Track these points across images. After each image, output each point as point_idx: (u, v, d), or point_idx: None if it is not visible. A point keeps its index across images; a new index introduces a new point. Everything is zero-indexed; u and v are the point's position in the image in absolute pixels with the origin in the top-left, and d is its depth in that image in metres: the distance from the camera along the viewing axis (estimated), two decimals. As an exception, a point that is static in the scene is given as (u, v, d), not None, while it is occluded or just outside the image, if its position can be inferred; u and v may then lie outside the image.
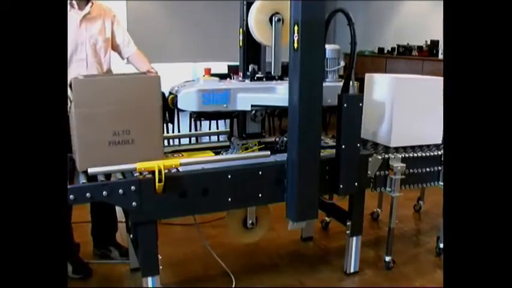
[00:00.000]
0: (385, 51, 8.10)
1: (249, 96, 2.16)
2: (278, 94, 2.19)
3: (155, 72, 2.36)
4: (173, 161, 1.96)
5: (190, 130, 4.92)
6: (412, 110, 2.54)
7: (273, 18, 2.24)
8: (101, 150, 1.92)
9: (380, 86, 2.64)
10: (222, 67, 5.80)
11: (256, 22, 2.27)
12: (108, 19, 2.44)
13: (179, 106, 2.09)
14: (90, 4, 2.34)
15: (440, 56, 6.78)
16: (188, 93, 2.08)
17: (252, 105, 2.17)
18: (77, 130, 1.90)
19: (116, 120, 1.94)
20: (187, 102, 2.08)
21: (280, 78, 2.32)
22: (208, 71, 2.33)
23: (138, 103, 1.99)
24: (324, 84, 2.07)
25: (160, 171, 1.86)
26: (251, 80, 2.30)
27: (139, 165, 1.88)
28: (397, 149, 2.55)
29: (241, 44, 2.49)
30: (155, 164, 1.88)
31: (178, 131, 5.08)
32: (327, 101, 2.17)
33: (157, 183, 1.87)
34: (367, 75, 2.74)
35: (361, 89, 2.35)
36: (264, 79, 2.31)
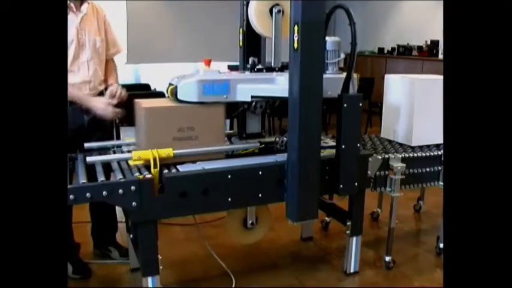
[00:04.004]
0: (385, 51, 8.10)
1: (249, 87, 2.16)
2: (278, 85, 2.19)
3: (118, 87, 2.36)
4: (167, 151, 1.99)
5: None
6: (432, 109, 2.56)
7: (273, 9, 2.24)
8: (165, 145, 2.00)
9: (400, 87, 2.71)
10: (222, 67, 5.81)
11: (257, 13, 2.28)
12: (101, 18, 2.42)
13: (179, 96, 2.08)
14: (86, 5, 2.31)
15: (440, 56, 6.79)
16: (188, 83, 2.08)
17: (252, 96, 2.17)
18: (144, 125, 1.98)
19: (181, 117, 2.04)
20: (187, 92, 2.08)
21: (281, 70, 2.32)
22: (208, 62, 2.34)
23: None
24: (324, 76, 2.06)
25: (155, 159, 1.90)
26: (251, 71, 2.30)
27: (135, 153, 1.90)
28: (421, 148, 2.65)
29: (241, 44, 2.50)
30: (150, 152, 1.92)
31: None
32: (327, 93, 2.16)
33: (152, 169, 1.89)
34: (386, 77, 2.82)
35: (360, 89, 2.35)
36: (264, 70, 2.31)
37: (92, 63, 2.35)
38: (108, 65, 2.54)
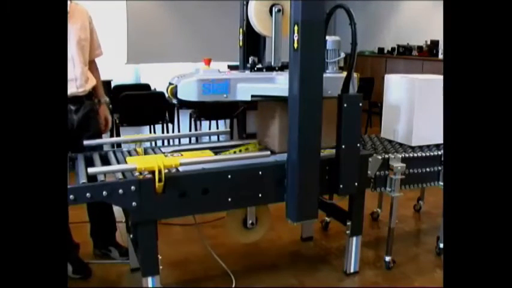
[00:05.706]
0: (385, 51, 8.10)
1: (249, 86, 2.16)
2: (278, 84, 2.19)
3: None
4: (173, 161, 1.96)
5: (190, 130, 4.92)
6: (432, 109, 2.56)
7: (273, 8, 2.24)
8: None
9: (400, 87, 2.71)
10: (222, 67, 5.80)
11: (257, 13, 2.28)
12: (86, 18, 2.41)
13: (179, 96, 2.08)
14: (68, 3, 2.30)
15: (440, 56, 6.79)
16: (188, 82, 2.08)
17: (252, 96, 2.17)
18: (278, 122, 2.25)
19: None
20: (187, 92, 2.08)
21: (281, 69, 2.32)
22: (208, 61, 2.34)
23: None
24: (324, 75, 2.06)
25: (160, 171, 1.86)
26: (251, 71, 2.30)
27: (140, 165, 1.88)
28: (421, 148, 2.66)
29: (241, 43, 2.50)
30: (155, 163, 1.88)
31: (179, 131, 5.08)
32: (327, 92, 2.16)
33: (157, 183, 1.87)
34: (386, 77, 2.82)
35: (360, 89, 2.35)
36: (264, 70, 2.31)
37: (78, 61, 2.33)
38: (93, 66, 2.56)
